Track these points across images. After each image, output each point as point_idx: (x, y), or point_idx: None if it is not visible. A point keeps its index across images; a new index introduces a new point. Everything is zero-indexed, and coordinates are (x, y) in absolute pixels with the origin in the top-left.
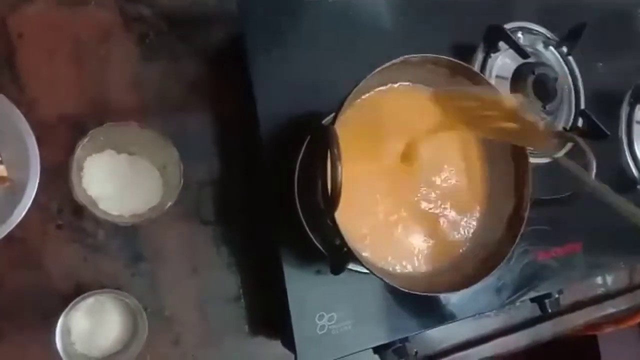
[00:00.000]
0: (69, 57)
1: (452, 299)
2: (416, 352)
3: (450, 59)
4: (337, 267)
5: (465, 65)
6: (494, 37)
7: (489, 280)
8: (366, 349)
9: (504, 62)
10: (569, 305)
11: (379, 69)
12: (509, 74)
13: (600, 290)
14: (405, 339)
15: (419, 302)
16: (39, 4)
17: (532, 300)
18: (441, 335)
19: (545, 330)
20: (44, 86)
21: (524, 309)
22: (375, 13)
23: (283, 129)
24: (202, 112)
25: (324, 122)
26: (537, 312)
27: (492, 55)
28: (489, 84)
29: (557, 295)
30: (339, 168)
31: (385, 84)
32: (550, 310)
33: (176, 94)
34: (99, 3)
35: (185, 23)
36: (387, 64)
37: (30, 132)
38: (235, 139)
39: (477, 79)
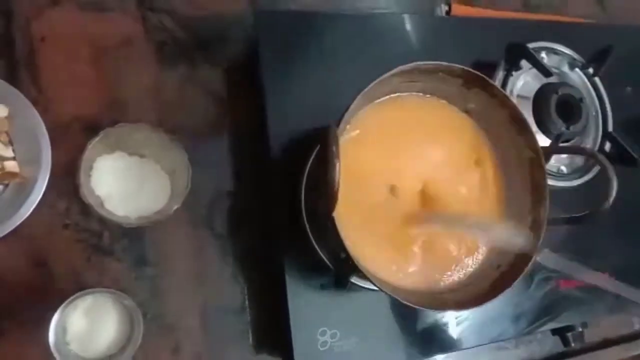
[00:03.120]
0: (89, 60)
1: (465, 325)
2: None
3: (464, 67)
4: (342, 279)
5: (480, 75)
6: (515, 55)
7: (505, 308)
8: None
9: (526, 81)
10: (596, 342)
11: (388, 73)
12: (531, 93)
13: (637, 327)
14: None
15: (429, 325)
16: (64, 8)
17: (554, 332)
18: None
19: None
20: (62, 87)
21: (546, 343)
22: (394, 29)
23: (292, 141)
24: (216, 121)
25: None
26: (560, 347)
27: (514, 73)
28: (505, 96)
29: (580, 329)
30: (337, 165)
31: (395, 93)
32: (573, 345)
33: (192, 102)
34: (123, 10)
35: (205, 33)
36: (397, 70)
37: (45, 131)
38: (248, 150)
39: (492, 90)
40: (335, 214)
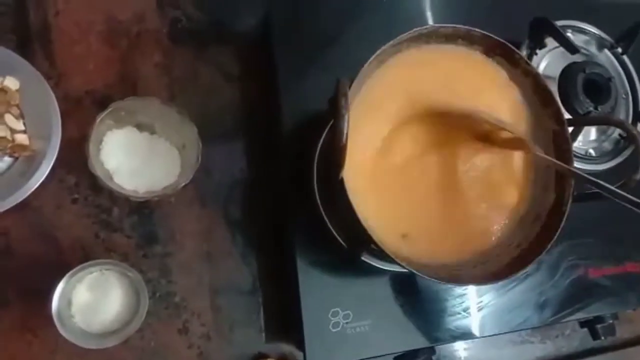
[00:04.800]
0: (102, 36)
1: (486, 311)
2: None
3: (485, 33)
4: (354, 255)
5: (501, 42)
6: (539, 31)
7: (530, 295)
8: (385, 355)
9: (550, 60)
10: (628, 339)
11: (405, 35)
12: (556, 73)
13: None
14: (432, 351)
15: (447, 310)
16: None
17: (582, 324)
18: (476, 358)
19: None
20: (74, 62)
21: (574, 338)
22: (411, 4)
23: (305, 119)
24: (228, 100)
25: None
26: (589, 343)
27: (538, 52)
28: (528, 63)
29: (611, 321)
30: (346, 117)
31: None
32: (603, 338)
33: (204, 80)
34: None
35: (219, 11)
36: (414, 32)
37: (56, 105)
38: (260, 128)
39: (515, 58)
40: (346, 183)
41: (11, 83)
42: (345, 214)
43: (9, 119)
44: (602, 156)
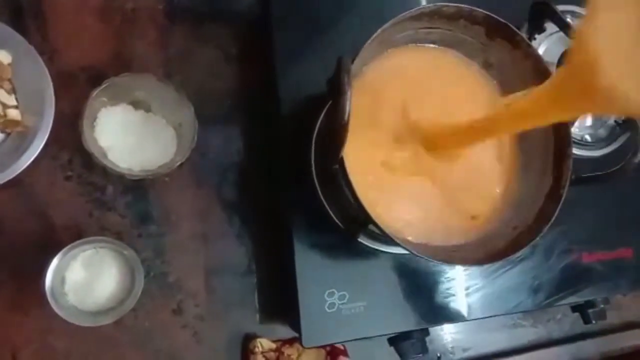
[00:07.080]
0: (96, 11)
1: (480, 294)
2: (439, 357)
3: (488, 13)
4: (351, 235)
5: (504, 23)
6: (539, 16)
7: (524, 279)
8: (380, 336)
9: (549, 46)
10: (617, 325)
11: (408, 13)
12: (554, 58)
13: None
14: (425, 333)
15: (442, 292)
16: None
17: (574, 309)
18: (468, 341)
19: (588, 348)
20: (68, 37)
21: (565, 322)
22: None
23: (303, 99)
24: (226, 78)
25: None
26: (580, 327)
27: (537, 37)
28: (529, 45)
29: (602, 306)
30: (348, 93)
31: (412, 43)
32: (594, 322)
33: (201, 58)
34: None
35: None
36: (417, 10)
37: (49, 79)
38: (258, 109)
39: (516, 40)
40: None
41: (3, 57)
42: (343, 193)
43: (1, 93)
44: (598, 142)
